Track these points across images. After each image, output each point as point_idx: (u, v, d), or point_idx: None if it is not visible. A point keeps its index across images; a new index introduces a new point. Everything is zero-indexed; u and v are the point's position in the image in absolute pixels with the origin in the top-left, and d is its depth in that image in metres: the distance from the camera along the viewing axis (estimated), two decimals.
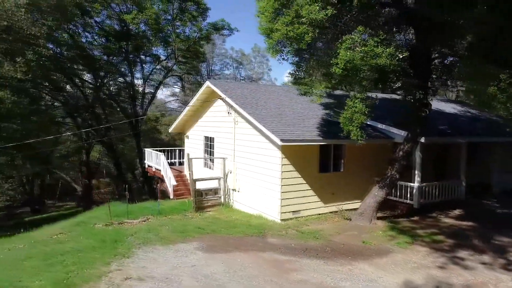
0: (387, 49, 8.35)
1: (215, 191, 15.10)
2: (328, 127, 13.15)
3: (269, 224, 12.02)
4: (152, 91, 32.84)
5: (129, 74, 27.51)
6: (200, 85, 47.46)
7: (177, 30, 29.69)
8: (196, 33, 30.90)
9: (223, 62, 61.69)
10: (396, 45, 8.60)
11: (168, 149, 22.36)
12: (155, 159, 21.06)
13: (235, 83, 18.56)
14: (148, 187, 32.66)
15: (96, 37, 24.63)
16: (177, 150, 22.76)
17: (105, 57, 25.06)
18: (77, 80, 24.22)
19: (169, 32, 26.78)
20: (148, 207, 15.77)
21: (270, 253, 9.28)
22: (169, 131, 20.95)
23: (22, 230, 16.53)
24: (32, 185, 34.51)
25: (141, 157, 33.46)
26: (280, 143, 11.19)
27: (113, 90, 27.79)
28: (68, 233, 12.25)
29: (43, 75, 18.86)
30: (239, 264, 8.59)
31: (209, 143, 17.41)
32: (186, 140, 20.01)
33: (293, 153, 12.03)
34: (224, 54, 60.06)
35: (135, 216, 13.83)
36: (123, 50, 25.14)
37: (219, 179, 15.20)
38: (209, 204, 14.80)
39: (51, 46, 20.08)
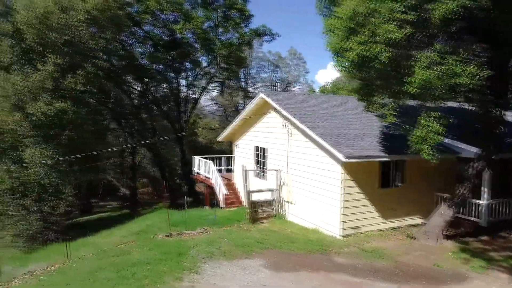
0: (468, 68, 8.00)
1: (269, 202, 15.13)
2: (390, 141, 12.82)
3: (329, 240, 11.87)
4: (194, 96, 33.47)
5: (174, 81, 28.18)
6: (240, 89, 47.92)
7: (220, 36, 30.09)
8: (238, 39, 31.16)
9: (260, 65, 61.94)
10: (477, 63, 8.21)
11: (214, 157, 22.69)
12: (203, 167, 21.43)
13: (287, 94, 18.55)
14: (193, 192, 33.33)
15: (145, 47, 25.45)
16: (223, 158, 23.05)
17: (153, 66, 25.81)
18: (124, 87, 25.09)
19: (212, 39, 27.17)
20: (202, 216, 16.05)
21: (339, 274, 9.15)
22: (218, 140, 21.23)
23: (85, 234, 17.36)
24: (79, 186, 36.11)
25: (184, 161, 34.27)
26: (343, 159, 11.03)
27: (158, 96, 28.55)
28: (131, 243, 12.68)
29: (99, 86, 19.64)
30: (309, 285, 8.52)
31: (260, 153, 17.48)
32: (235, 149, 20.20)
33: (353, 168, 11.82)
34: (261, 57, 60.32)
35: (192, 226, 14.11)
36: (169, 58, 25.78)
37: (272, 190, 15.22)
38: (263, 215, 14.85)
39: (105, 57, 20.88)
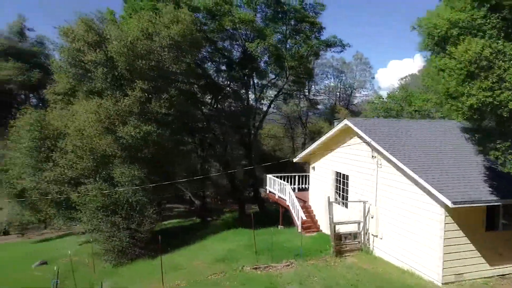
0: None
1: (354, 235, 14.57)
2: (496, 180, 11.63)
3: (430, 287, 11.07)
4: (263, 108, 33.62)
5: (244, 96, 28.51)
6: (304, 97, 47.28)
7: (288, 47, 29.87)
8: (307, 51, 30.73)
9: (324, 72, 60.75)
10: None
11: (287, 175, 22.54)
12: (277, 186, 21.36)
13: (373, 120, 17.80)
14: (263, 210, 33.65)
15: (220, 66, 26.08)
16: (297, 176, 22.81)
17: (226, 82, 26.37)
18: (199, 104, 25.90)
19: (281, 51, 27.02)
20: (283, 242, 15.94)
21: None
22: (294, 161, 21.00)
23: (166, 249, 17.99)
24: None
25: (254, 175, 34.57)
26: (450, 205, 10.18)
27: (229, 110, 29.08)
28: (221, 275, 12.88)
29: (180, 108, 20.42)
30: None
31: (340, 179, 16.94)
32: (311, 171, 19.85)
33: (456, 210, 10.88)
34: (324, 63, 59.14)
35: (276, 256, 14.00)
36: (242, 75, 26.12)
37: (358, 223, 14.63)
38: (347, 248, 14.33)
39: (185, 80, 21.67)
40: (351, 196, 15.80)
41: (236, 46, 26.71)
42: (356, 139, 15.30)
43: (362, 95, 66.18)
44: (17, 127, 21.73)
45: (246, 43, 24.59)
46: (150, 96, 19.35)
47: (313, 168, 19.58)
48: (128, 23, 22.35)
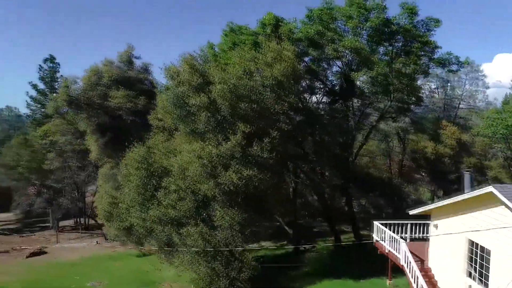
0: None
1: None
2: None
3: None
4: (360, 132, 31.02)
5: (345, 125, 26.40)
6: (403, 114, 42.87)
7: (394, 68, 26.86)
8: (415, 72, 27.37)
9: (424, 81, 54.84)
10: None
11: (398, 223, 20.05)
12: (388, 237, 19.01)
13: None
14: (360, 239, 31.23)
15: (320, 96, 24.52)
16: (409, 224, 20.16)
17: (324, 112, 24.66)
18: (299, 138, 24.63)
19: (389, 79, 24.23)
20: None
21: None
22: (410, 213, 18.41)
23: None
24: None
25: (351, 202, 32.27)
26: None
27: (328, 139, 27.25)
28: None
29: (282, 149, 19.33)
30: None
31: (476, 250, 14.03)
32: (433, 228, 17.08)
33: None
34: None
35: None
36: (344, 104, 24.12)
37: None
38: None
39: (287, 120, 20.53)
40: (494, 277, 12.88)
41: (336, 72, 24.76)
42: (504, 210, 12.38)
43: (471, 106, 58.34)
44: (127, 160, 22.89)
45: (351, 73, 22.52)
46: (251, 139, 18.58)
47: (436, 226, 16.78)
48: (228, 57, 22.06)
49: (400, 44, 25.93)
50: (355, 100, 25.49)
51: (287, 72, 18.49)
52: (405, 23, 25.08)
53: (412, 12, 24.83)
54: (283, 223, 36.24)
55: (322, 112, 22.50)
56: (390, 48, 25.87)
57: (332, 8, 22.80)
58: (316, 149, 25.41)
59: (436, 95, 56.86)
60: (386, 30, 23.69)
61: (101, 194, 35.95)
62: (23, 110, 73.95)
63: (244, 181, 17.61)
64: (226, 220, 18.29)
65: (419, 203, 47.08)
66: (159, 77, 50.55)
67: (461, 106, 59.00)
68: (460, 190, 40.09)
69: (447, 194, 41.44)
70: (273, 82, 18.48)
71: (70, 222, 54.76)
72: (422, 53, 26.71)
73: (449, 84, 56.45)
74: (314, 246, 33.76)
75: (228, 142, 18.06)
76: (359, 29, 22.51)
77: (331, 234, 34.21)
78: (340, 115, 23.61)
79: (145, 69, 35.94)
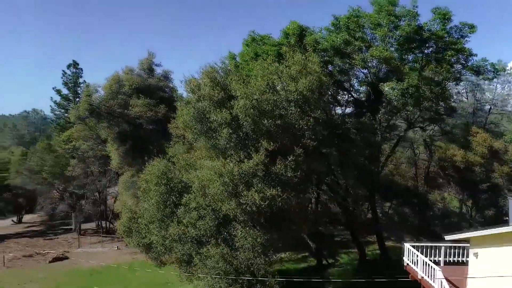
0: None
1: None
2: None
3: None
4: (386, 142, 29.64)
5: (372, 139, 25.17)
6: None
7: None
8: (448, 80, 25.87)
9: (452, 86, 52.38)
10: None
11: (430, 245, 18.78)
12: (420, 262, 17.78)
13: None
14: (385, 253, 29.98)
15: (345, 108, 23.41)
16: (443, 247, 18.87)
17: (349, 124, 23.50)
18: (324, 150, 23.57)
19: (421, 89, 22.83)
20: None
21: None
22: (446, 238, 17.11)
23: None
24: None
25: (376, 217, 30.99)
26: None
27: (354, 152, 26.07)
28: None
29: (307, 167, 18.40)
30: None
31: None
32: (472, 257, 15.74)
33: None
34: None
35: None
36: (371, 116, 22.91)
37: None
38: None
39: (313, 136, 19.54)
40: None
41: (363, 81, 23.56)
42: None
43: (503, 111, 55.39)
44: (146, 173, 22.45)
45: (380, 84, 21.32)
46: (274, 156, 17.73)
47: (476, 255, 15.45)
48: (250, 69, 21.27)
49: (431, 51, 24.49)
50: (382, 110, 24.17)
51: (313, 86, 17.52)
52: (437, 29, 23.66)
53: (445, 17, 23.38)
54: (305, 236, 35.15)
55: (348, 124, 21.39)
56: (420, 55, 24.45)
57: (359, 16, 21.63)
58: (341, 160, 24.31)
59: (465, 99, 54.28)
60: (416, 37, 22.32)
61: (121, 206, 36.02)
62: (48, 113, 75.44)
63: (267, 201, 16.77)
64: (248, 241, 17.53)
65: (446, 212, 45.05)
66: (179, 82, 50.32)
67: (491, 110, 56.04)
68: (491, 201, 37.97)
69: (477, 204, 39.42)
70: (298, 97, 17.55)
71: (92, 225, 55.44)
72: (454, 59, 25.22)
73: (479, 87, 53.75)
74: (337, 260, 32.58)
75: (251, 160, 17.25)
76: (388, 37, 21.26)
77: (354, 244, 32.95)
78: (367, 127, 22.45)
79: (166, 77, 35.67)
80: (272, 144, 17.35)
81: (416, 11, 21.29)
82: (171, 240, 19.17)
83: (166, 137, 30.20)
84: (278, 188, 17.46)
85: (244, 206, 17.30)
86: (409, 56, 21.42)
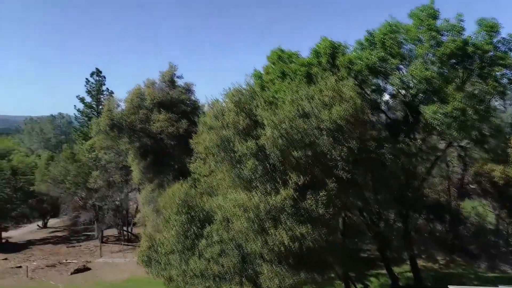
0: None
1: None
2: None
3: None
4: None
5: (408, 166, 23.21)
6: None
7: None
8: (492, 96, 23.53)
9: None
10: None
11: None
12: None
13: None
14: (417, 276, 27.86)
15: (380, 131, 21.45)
16: None
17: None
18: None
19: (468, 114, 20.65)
20: None
21: None
22: None
23: None
24: None
25: (410, 242, 28.83)
26: None
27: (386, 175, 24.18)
28: None
29: (341, 201, 16.78)
30: None
31: None
32: None
33: None
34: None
35: None
36: (408, 139, 20.97)
37: None
38: None
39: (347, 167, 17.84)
40: None
41: (399, 102, 21.64)
42: None
43: None
44: (166, 199, 21.44)
45: (420, 105, 19.37)
46: (304, 190, 16.20)
47: None
48: (277, 89, 19.79)
49: (475, 66, 22.23)
50: (421, 133, 22.15)
51: (348, 114, 15.87)
52: (482, 42, 21.44)
53: (492, 30, 21.18)
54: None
55: (384, 149, 19.54)
56: (462, 70, 22.23)
57: (397, 31, 19.74)
58: (375, 187, 22.48)
59: (502, 106, 50.79)
60: (459, 52, 20.23)
61: (143, 218, 35.31)
62: (74, 116, 76.18)
63: (296, 242, 15.28)
64: (275, 283, 16.09)
65: (482, 229, 42.04)
66: (201, 95, 49.36)
67: None
68: None
69: None
70: (331, 125, 15.94)
71: (114, 231, 55.52)
72: (499, 73, 22.88)
73: None
74: (367, 286, 30.61)
75: (278, 196, 15.79)
76: (429, 55, 19.31)
77: (382, 261, 30.83)
78: (404, 152, 20.54)
79: (187, 89, 34.61)
80: (301, 177, 15.82)
81: (462, 25, 19.24)
82: (193, 275, 17.99)
83: (188, 152, 29.17)
84: (308, 225, 15.94)
85: (271, 245, 15.87)
86: (451, 74, 19.38)
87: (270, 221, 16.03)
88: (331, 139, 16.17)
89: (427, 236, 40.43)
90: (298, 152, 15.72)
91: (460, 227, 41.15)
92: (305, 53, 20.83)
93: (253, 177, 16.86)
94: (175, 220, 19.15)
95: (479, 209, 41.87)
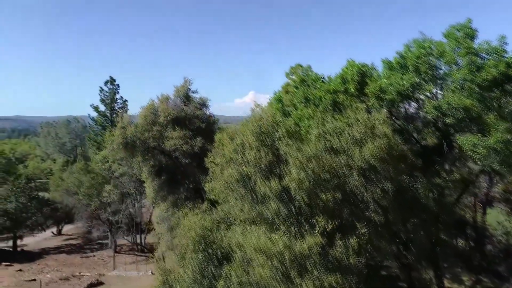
0: None
1: None
2: None
3: None
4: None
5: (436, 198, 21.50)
6: None
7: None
8: None
9: None
10: None
11: None
12: None
13: None
14: None
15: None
16: None
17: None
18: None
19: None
20: None
21: None
22: None
23: None
24: None
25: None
26: None
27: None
28: None
29: (372, 250, 15.30)
30: None
31: None
32: None
33: None
34: None
35: None
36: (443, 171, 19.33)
37: None
38: None
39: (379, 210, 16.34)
40: None
41: (433, 131, 19.96)
42: None
43: None
44: (183, 231, 20.34)
45: (457, 136, 17.71)
46: (333, 235, 14.79)
47: None
48: (300, 116, 18.38)
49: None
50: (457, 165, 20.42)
51: (381, 153, 14.39)
52: None
53: None
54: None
55: (418, 184, 17.96)
56: (503, 96, 20.35)
57: (431, 54, 18.09)
58: (403, 217, 20.85)
59: None
60: (502, 78, 18.43)
61: (157, 238, 34.27)
62: (88, 120, 75.99)
63: None
64: None
65: (509, 246, 39.83)
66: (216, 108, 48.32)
67: None
68: None
69: None
70: (363, 165, 14.49)
71: (127, 240, 55.09)
72: None
73: None
74: None
75: (304, 243, 14.41)
76: (467, 80, 17.59)
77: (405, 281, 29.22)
78: (438, 185, 18.93)
79: (202, 104, 33.39)
80: (329, 222, 14.41)
81: (504, 48, 17.46)
82: None
83: (203, 170, 28.04)
84: (337, 274, 14.53)
85: None
86: (493, 103, 17.60)
87: (295, 269, 14.67)
88: (362, 179, 14.69)
89: (451, 253, 38.62)
90: (326, 194, 14.29)
91: (486, 246, 39.21)
92: (324, 68, 19.44)
93: (276, 220, 15.53)
94: (191, 258, 17.99)
95: (506, 224, 39.73)
